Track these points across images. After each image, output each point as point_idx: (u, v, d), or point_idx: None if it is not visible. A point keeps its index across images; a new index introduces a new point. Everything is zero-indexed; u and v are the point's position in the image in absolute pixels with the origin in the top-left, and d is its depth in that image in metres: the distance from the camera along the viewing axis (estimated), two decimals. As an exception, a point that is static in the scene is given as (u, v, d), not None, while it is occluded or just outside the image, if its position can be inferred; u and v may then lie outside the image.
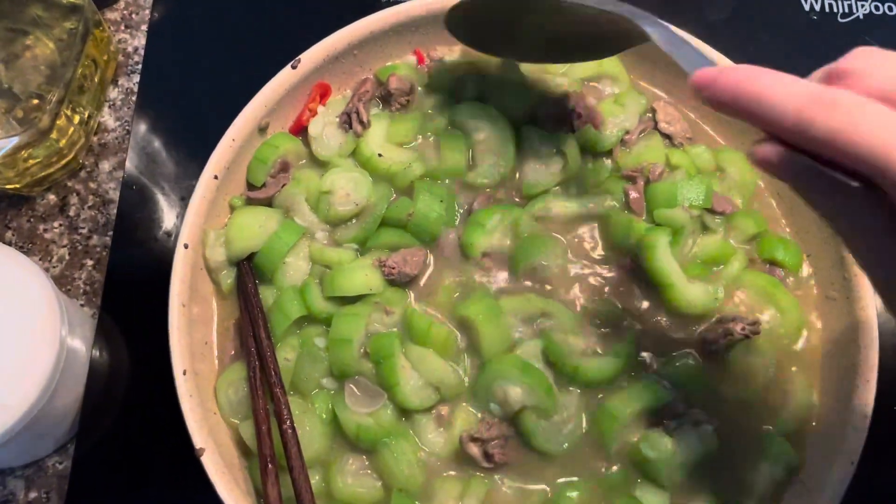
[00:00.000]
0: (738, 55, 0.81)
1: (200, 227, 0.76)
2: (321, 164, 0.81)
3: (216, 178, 0.76)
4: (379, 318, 0.74)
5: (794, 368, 0.75)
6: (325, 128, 0.82)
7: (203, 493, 0.67)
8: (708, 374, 0.73)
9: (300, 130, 0.83)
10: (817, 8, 1.01)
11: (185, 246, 0.74)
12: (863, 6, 1.01)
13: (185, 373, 0.70)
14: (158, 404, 0.73)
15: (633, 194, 0.78)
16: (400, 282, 0.75)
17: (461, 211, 0.79)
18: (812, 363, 0.76)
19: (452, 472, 0.71)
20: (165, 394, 0.71)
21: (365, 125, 0.81)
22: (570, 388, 0.72)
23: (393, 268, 0.74)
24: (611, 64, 0.84)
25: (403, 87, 0.82)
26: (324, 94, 0.84)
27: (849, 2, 1.01)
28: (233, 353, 0.76)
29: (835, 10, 1.01)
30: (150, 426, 0.82)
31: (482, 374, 0.72)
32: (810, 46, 1.00)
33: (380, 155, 0.79)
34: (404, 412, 0.72)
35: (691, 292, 0.74)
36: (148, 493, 0.81)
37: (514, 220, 0.77)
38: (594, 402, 0.72)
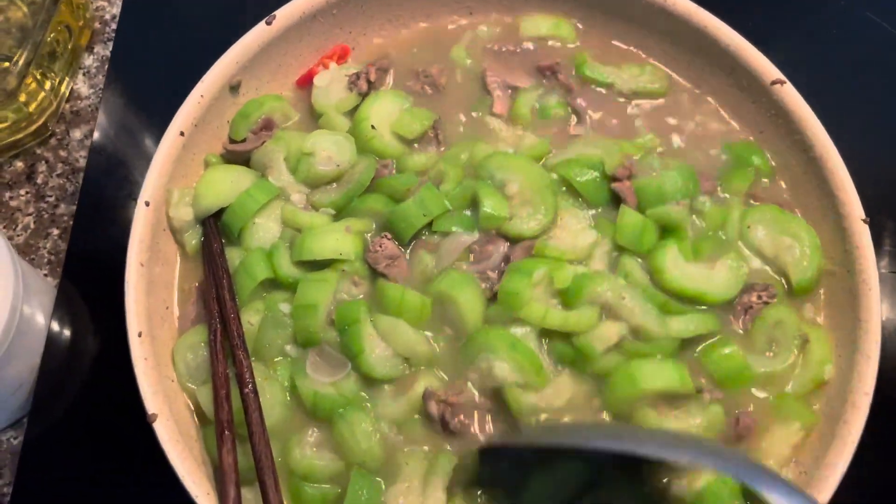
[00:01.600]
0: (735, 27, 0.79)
1: (164, 186, 0.72)
2: (314, 124, 0.78)
3: (182, 134, 0.72)
4: (347, 287, 0.70)
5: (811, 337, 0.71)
6: (332, 83, 0.79)
7: (156, 464, 0.62)
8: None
9: (307, 83, 0.80)
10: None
11: (147, 203, 0.70)
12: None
13: (140, 335, 0.65)
14: (121, 380, 0.68)
15: (625, 193, 0.73)
16: (372, 265, 0.70)
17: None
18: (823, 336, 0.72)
19: (416, 448, 0.67)
20: (128, 368, 0.66)
21: (371, 84, 0.78)
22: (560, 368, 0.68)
23: (376, 252, 0.70)
24: None
25: (437, 78, 0.80)
26: (342, 54, 0.82)
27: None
28: (194, 317, 0.72)
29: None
30: (111, 404, 0.78)
31: (467, 344, 0.68)
32: (809, 21, 0.97)
33: (372, 127, 0.75)
34: (368, 383, 0.67)
35: (719, 281, 0.71)
36: (103, 470, 0.76)
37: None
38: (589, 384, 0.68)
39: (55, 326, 0.81)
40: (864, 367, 0.66)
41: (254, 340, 0.68)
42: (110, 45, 0.97)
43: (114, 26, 0.98)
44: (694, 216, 0.74)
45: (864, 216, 0.71)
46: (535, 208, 0.72)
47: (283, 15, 0.77)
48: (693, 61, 0.82)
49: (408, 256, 0.72)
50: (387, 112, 0.77)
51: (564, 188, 0.75)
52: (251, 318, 0.69)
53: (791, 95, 0.76)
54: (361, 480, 0.64)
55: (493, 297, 0.69)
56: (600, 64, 0.82)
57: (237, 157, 0.76)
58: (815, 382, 0.69)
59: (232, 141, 0.78)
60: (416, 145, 0.78)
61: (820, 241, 0.73)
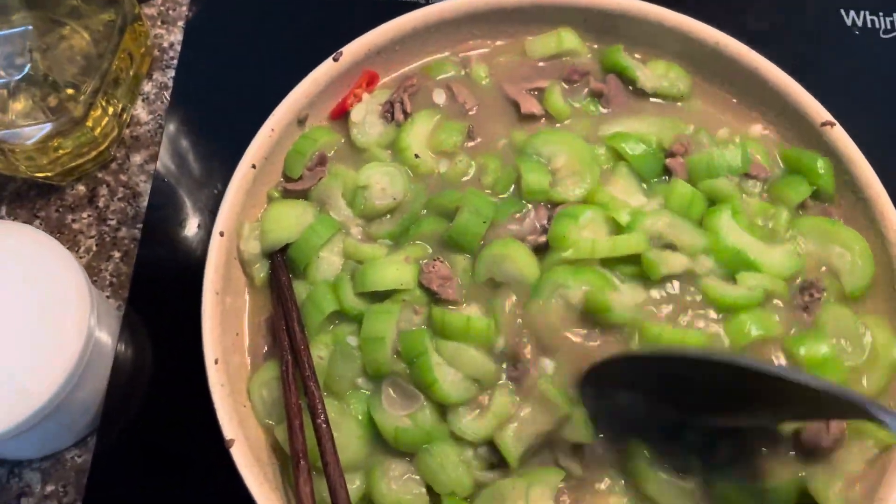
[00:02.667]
0: (779, 65, 0.81)
1: (236, 216, 0.74)
2: (357, 154, 0.80)
3: (254, 167, 0.75)
4: (408, 316, 0.71)
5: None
6: (367, 115, 0.81)
7: (230, 487, 0.64)
8: None
9: (341, 115, 0.82)
10: (859, 23, 1.00)
11: (221, 234, 0.72)
12: (906, 23, 1.00)
13: (216, 362, 0.68)
14: (183, 400, 0.71)
15: (678, 168, 0.76)
16: (426, 285, 0.72)
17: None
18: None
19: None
20: (191, 389, 0.69)
21: (407, 114, 0.80)
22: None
23: (430, 273, 0.72)
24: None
25: (469, 97, 0.81)
26: (371, 81, 0.83)
27: (891, 18, 1.00)
28: (265, 349, 0.74)
29: (877, 25, 1.00)
30: (174, 422, 0.80)
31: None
32: (851, 61, 0.99)
33: (416, 156, 0.78)
34: (443, 411, 0.69)
35: (776, 256, 0.72)
36: (170, 489, 0.78)
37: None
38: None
39: (120, 347, 0.83)
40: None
41: (325, 375, 0.70)
42: (169, 71, 1.00)
43: (171, 53, 1.01)
44: (744, 195, 0.76)
45: None
46: (582, 177, 0.75)
47: (349, 52, 0.80)
48: (742, 100, 0.84)
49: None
50: (424, 134, 0.80)
51: (614, 163, 0.77)
52: (321, 353, 0.70)
53: (841, 137, 0.78)
54: None
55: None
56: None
57: (296, 195, 0.79)
58: (889, 369, 0.70)
59: (287, 178, 0.80)
60: (458, 152, 0.79)
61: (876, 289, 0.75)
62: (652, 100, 0.83)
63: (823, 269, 0.75)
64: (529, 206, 0.74)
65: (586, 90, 0.82)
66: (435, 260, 0.72)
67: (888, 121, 0.96)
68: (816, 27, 1.01)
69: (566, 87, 0.83)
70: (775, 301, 0.73)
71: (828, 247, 0.75)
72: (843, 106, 0.80)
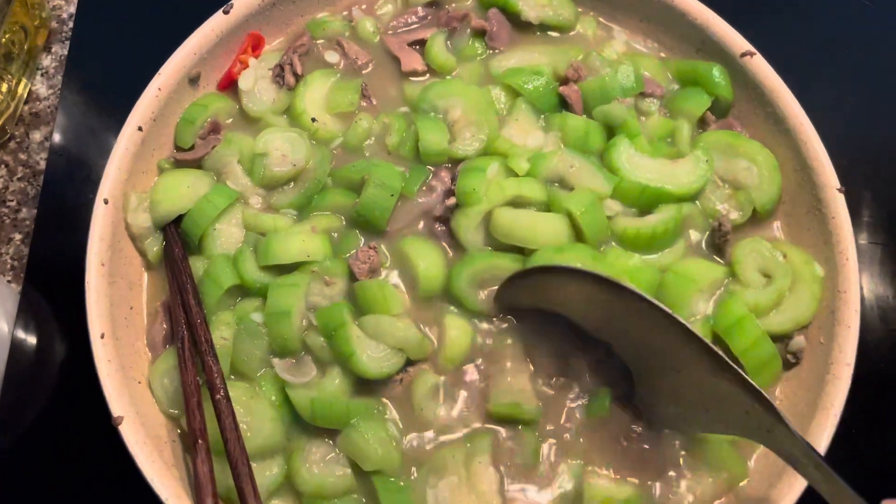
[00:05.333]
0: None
1: (123, 183, 0.69)
2: (253, 122, 0.76)
3: (140, 129, 0.70)
4: (319, 288, 0.68)
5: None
6: (257, 82, 0.76)
7: (128, 470, 0.60)
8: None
9: (230, 84, 0.77)
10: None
11: (105, 201, 0.68)
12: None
13: (103, 336, 0.63)
14: (91, 385, 0.66)
15: (572, 96, 0.74)
16: (356, 274, 0.68)
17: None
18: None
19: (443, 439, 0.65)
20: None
21: (299, 77, 0.75)
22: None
23: (365, 263, 0.68)
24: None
25: (360, 54, 0.77)
26: (256, 45, 0.78)
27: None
28: (162, 338, 0.69)
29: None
30: (81, 409, 0.75)
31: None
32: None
33: (313, 120, 0.74)
34: (366, 386, 0.66)
35: (682, 174, 0.70)
36: (74, 478, 0.74)
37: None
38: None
39: (20, 334, 0.78)
40: (844, 337, 0.65)
41: (230, 356, 0.66)
42: (69, 44, 0.95)
43: (71, 25, 0.96)
44: (642, 118, 0.75)
45: (839, 186, 0.70)
46: (479, 127, 0.72)
47: (240, 3, 0.75)
48: (662, 39, 0.81)
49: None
50: (320, 97, 0.76)
51: (512, 101, 0.75)
52: (223, 333, 0.66)
53: (761, 67, 0.75)
54: (388, 487, 0.62)
55: (444, 222, 0.70)
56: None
57: (188, 165, 0.74)
58: (815, 282, 0.68)
59: (179, 149, 0.75)
60: (356, 112, 0.76)
61: (795, 212, 0.73)
62: (540, 33, 0.80)
63: (724, 206, 0.72)
64: (432, 169, 0.71)
65: (468, 31, 0.78)
66: (371, 248, 0.69)
67: (808, 47, 0.93)
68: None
69: (448, 35, 0.79)
70: (692, 234, 0.71)
71: (733, 161, 0.73)
72: (762, 35, 0.77)
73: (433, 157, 0.71)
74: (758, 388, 0.56)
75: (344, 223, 0.71)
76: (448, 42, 0.78)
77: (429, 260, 0.68)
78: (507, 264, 0.67)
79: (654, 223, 0.69)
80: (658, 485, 0.65)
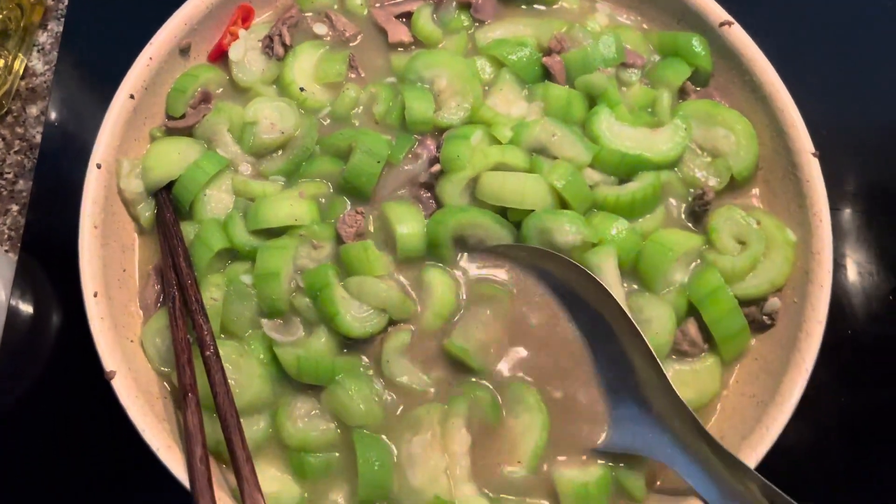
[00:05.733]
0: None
1: (115, 149, 0.71)
2: (243, 93, 0.77)
3: (132, 97, 0.72)
4: (307, 252, 0.69)
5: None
6: (246, 53, 0.78)
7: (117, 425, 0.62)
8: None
9: (220, 56, 0.79)
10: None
11: (98, 166, 0.69)
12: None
13: (96, 294, 0.65)
14: (87, 351, 0.68)
15: (555, 67, 0.76)
16: (343, 236, 0.70)
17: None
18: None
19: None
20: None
21: (288, 47, 0.77)
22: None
23: (352, 227, 0.70)
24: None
25: (348, 26, 0.79)
26: (246, 16, 0.79)
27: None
28: (153, 300, 0.71)
29: None
30: (78, 374, 0.77)
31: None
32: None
33: (302, 89, 0.76)
34: (350, 344, 0.68)
35: (661, 141, 0.72)
36: (72, 442, 0.76)
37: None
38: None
39: (17, 302, 0.80)
40: (817, 297, 0.67)
41: (220, 316, 0.68)
42: (64, 20, 0.96)
43: (66, 2, 0.97)
44: (624, 88, 0.76)
45: (813, 150, 0.72)
46: (464, 96, 0.74)
47: (230, -24, 0.77)
48: (645, 11, 0.82)
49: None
50: (309, 67, 0.77)
51: (496, 71, 0.77)
52: (214, 295, 0.68)
53: (739, 36, 0.76)
54: (368, 443, 0.64)
55: (429, 188, 0.72)
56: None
57: (179, 133, 0.76)
58: (787, 247, 0.70)
59: (170, 118, 0.77)
60: (344, 83, 0.77)
61: (772, 178, 0.74)
62: (526, 7, 0.82)
63: (703, 173, 0.73)
64: (418, 137, 0.73)
65: (454, 3, 0.80)
66: (358, 212, 0.71)
67: (785, 16, 0.95)
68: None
69: (434, 8, 0.80)
70: (672, 202, 0.73)
71: (712, 130, 0.74)
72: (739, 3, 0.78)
73: (419, 125, 0.73)
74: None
75: (331, 189, 0.73)
76: (434, 15, 0.80)
77: (408, 221, 0.70)
78: (489, 222, 0.69)
79: (633, 190, 0.71)
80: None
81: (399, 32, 0.78)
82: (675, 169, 0.74)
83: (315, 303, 0.67)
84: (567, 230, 0.67)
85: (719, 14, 0.77)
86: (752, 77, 0.75)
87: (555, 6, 0.82)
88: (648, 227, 0.72)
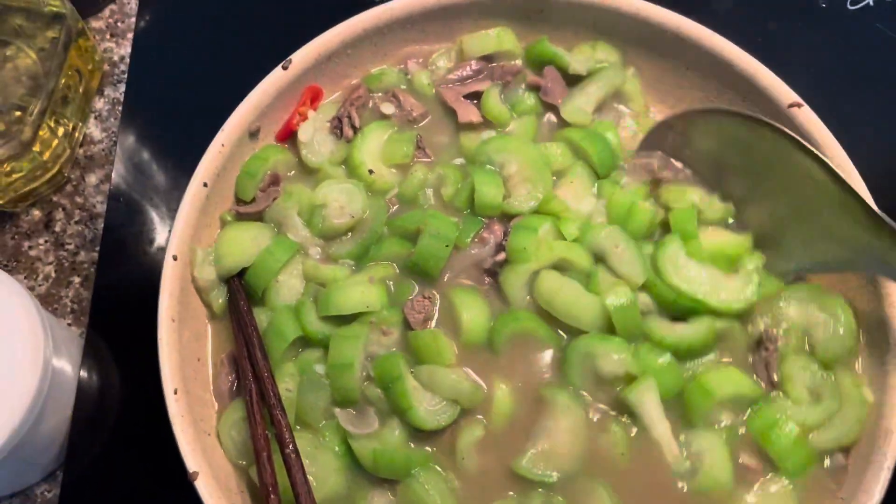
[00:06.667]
0: (745, 43, 0.78)
1: (189, 238, 0.72)
2: (311, 173, 0.78)
3: (205, 185, 0.72)
4: (376, 338, 0.69)
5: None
6: (315, 133, 0.78)
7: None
8: None
9: (289, 136, 0.79)
10: (825, -5, 0.98)
11: (174, 258, 0.70)
12: (873, -7, 0.98)
13: (176, 392, 0.65)
14: (151, 427, 0.68)
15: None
16: (411, 323, 0.70)
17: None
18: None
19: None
20: (158, 415, 0.67)
21: (357, 129, 0.77)
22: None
23: (420, 313, 0.70)
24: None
25: (415, 106, 0.79)
26: (315, 97, 0.80)
27: (859, -11, 0.98)
28: (227, 389, 0.71)
29: (843, -4, 0.98)
30: (142, 451, 0.78)
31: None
32: (818, 34, 0.97)
33: (371, 172, 0.76)
34: (420, 435, 0.67)
35: (729, 288, 0.69)
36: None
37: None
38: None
39: (83, 375, 0.81)
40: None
41: (295, 407, 0.68)
42: (120, 87, 0.97)
43: (122, 67, 0.98)
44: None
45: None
46: (534, 185, 0.73)
47: (298, 59, 0.77)
48: (705, 85, 0.82)
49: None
50: (377, 149, 0.78)
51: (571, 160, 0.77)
52: (288, 385, 0.68)
53: (809, 118, 0.76)
54: None
55: (492, 275, 0.72)
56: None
57: (250, 217, 0.76)
58: (862, 407, 0.67)
59: (240, 201, 0.77)
60: (411, 164, 0.78)
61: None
62: None
63: (784, 325, 0.70)
64: (485, 221, 0.73)
65: (523, 85, 0.80)
66: (425, 298, 0.71)
67: (857, 97, 0.94)
68: (782, 1, 0.99)
69: (501, 88, 0.80)
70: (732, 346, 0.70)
71: (808, 308, 0.70)
72: (811, 84, 0.78)
73: (488, 210, 0.73)
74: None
75: (398, 271, 0.73)
76: (502, 95, 0.80)
77: (474, 311, 0.70)
78: (544, 335, 0.69)
79: (681, 335, 0.68)
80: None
81: (469, 113, 0.78)
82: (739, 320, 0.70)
83: (387, 394, 0.67)
84: (614, 359, 0.66)
85: (787, 94, 0.77)
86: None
87: None
88: (698, 369, 0.69)
